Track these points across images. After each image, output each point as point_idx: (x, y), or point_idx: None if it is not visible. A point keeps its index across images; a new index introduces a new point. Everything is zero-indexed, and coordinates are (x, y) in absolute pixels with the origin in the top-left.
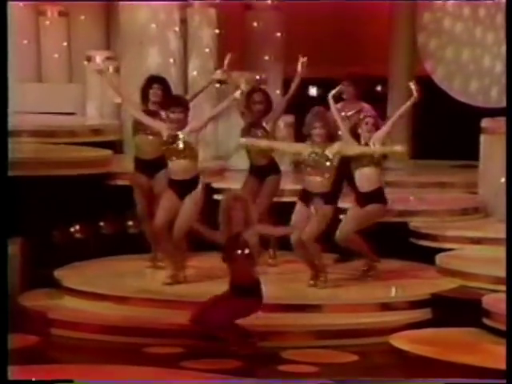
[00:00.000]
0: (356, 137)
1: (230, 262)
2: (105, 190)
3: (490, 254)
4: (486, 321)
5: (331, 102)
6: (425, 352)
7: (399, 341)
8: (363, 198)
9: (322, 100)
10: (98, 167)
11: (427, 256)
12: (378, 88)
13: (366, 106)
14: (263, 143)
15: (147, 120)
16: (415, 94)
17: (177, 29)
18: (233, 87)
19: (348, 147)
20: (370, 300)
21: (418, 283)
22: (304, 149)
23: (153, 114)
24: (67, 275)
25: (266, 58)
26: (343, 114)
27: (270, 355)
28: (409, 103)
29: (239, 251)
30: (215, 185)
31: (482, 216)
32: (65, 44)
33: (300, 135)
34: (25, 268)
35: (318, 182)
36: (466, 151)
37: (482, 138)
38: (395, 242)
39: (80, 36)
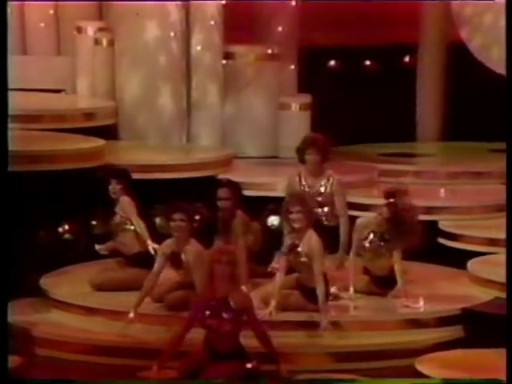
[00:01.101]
0: None
1: (210, 325)
2: (97, 184)
3: None
4: None
5: None
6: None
7: (426, 365)
8: None
9: (343, 73)
10: (91, 160)
11: (458, 259)
12: (406, 59)
13: (331, 172)
14: None
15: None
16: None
17: None
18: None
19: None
20: (393, 316)
21: (448, 295)
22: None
23: None
24: (54, 283)
25: (279, 28)
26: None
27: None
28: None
29: (224, 315)
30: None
31: None
32: (51, 12)
33: (317, 118)
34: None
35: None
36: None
37: None
38: (422, 242)
39: (68, 3)
